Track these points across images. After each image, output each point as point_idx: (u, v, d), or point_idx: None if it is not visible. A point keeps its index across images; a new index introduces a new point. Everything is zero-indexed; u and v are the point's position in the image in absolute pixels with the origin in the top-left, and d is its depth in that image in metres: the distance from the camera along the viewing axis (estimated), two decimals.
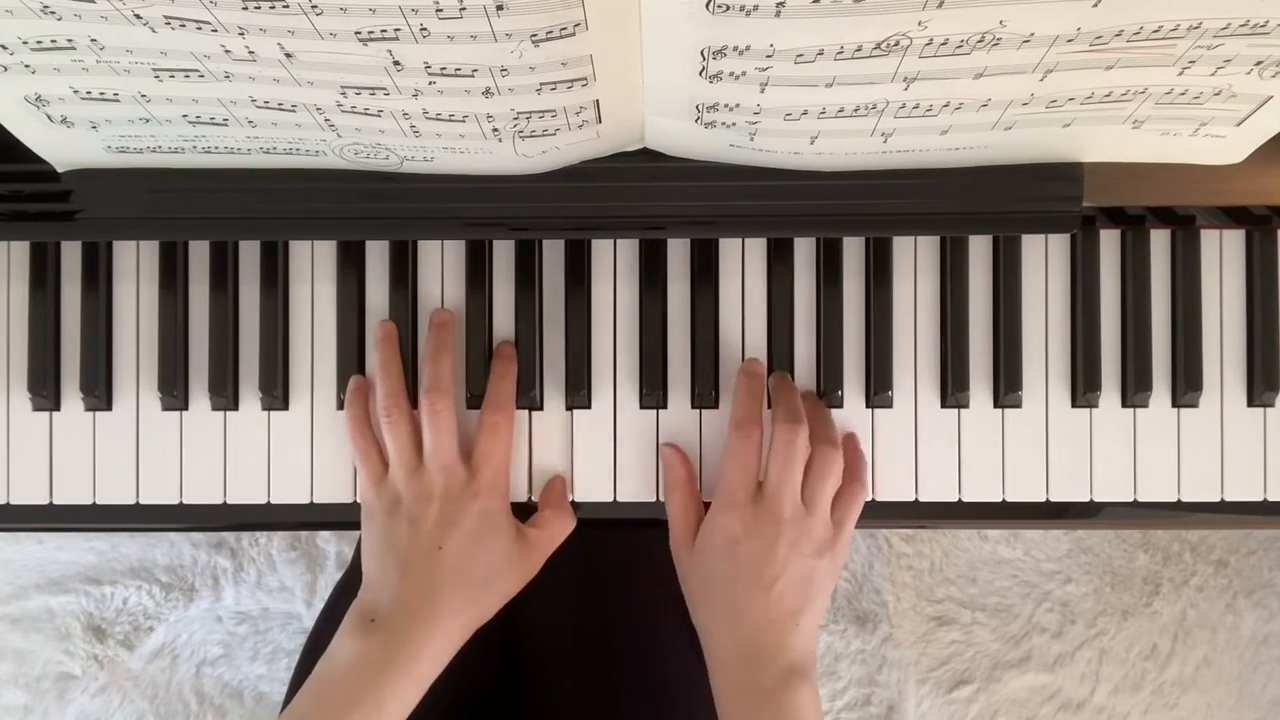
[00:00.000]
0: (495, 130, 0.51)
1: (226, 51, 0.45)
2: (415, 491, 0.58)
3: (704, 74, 0.47)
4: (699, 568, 0.59)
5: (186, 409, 0.62)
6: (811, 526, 0.57)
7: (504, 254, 0.62)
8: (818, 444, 0.58)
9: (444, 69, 0.45)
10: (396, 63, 0.45)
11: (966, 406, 0.62)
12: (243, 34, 0.43)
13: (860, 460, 0.61)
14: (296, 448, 0.62)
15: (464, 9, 0.41)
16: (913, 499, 0.62)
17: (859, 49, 0.44)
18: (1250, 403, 0.62)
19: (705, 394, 0.62)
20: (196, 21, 0.43)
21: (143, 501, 0.62)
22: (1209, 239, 0.62)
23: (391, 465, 0.59)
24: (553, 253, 0.62)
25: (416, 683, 0.55)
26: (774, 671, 0.55)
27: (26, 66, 0.47)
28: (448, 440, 0.58)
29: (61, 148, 0.54)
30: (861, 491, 0.60)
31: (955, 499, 0.62)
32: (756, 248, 0.62)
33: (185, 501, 0.62)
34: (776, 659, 0.56)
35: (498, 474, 0.59)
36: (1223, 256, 0.62)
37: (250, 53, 0.45)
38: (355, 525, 0.62)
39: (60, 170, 0.57)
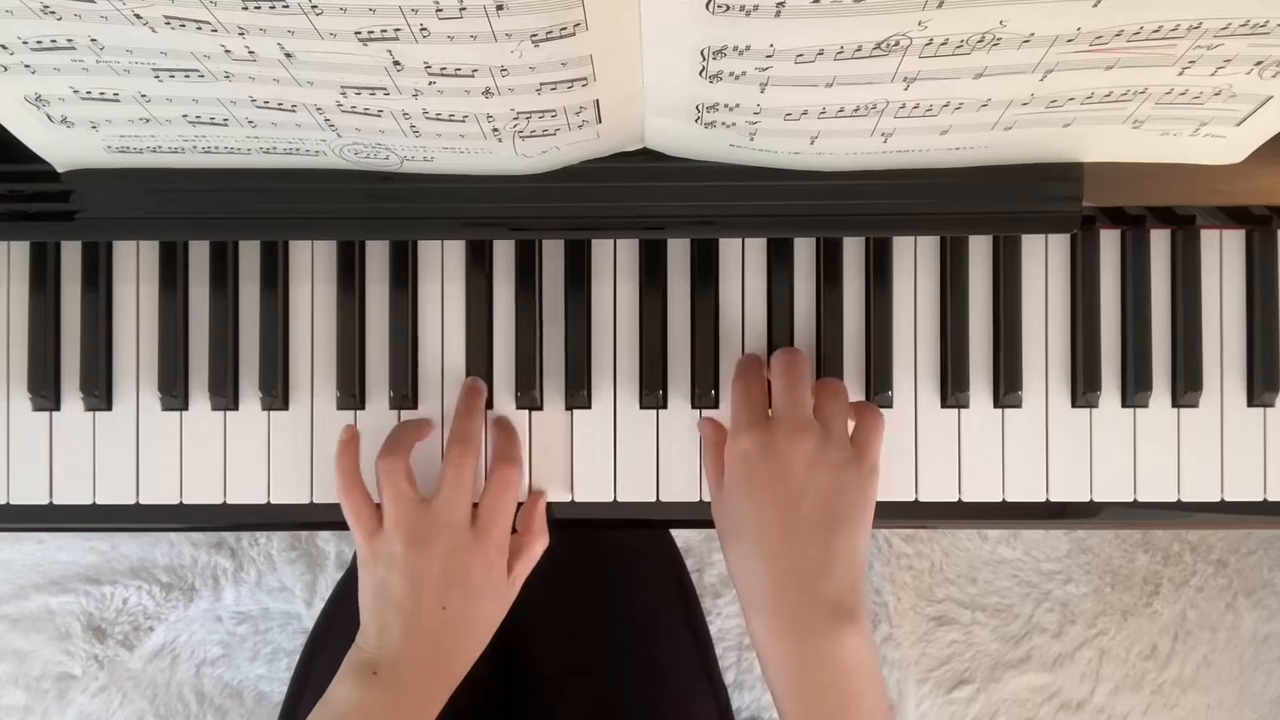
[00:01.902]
0: (495, 130, 0.51)
1: (226, 51, 0.45)
2: (418, 548, 0.57)
3: (704, 74, 0.47)
4: (725, 505, 0.57)
5: (186, 409, 0.62)
6: (827, 438, 0.55)
7: (504, 254, 0.62)
8: (819, 382, 0.58)
9: (444, 69, 0.45)
10: (396, 63, 0.45)
11: (966, 406, 0.62)
12: (243, 34, 0.43)
13: (870, 404, 0.60)
14: (296, 448, 0.62)
15: (464, 9, 0.41)
16: (913, 499, 0.62)
17: (859, 49, 0.44)
18: (1250, 403, 0.62)
19: (705, 394, 0.62)
20: (196, 21, 0.43)
21: (143, 501, 0.62)
22: (1209, 239, 0.62)
23: (390, 519, 0.57)
24: (553, 253, 0.62)
25: None
26: (817, 609, 0.52)
27: (26, 66, 0.47)
28: (465, 498, 0.58)
29: (61, 148, 0.54)
30: (879, 417, 0.58)
31: (955, 499, 0.62)
32: (756, 248, 0.62)
33: (185, 501, 0.62)
34: (817, 590, 0.52)
35: (505, 531, 0.59)
36: (1223, 256, 0.62)
37: (250, 53, 0.45)
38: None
39: (60, 170, 0.57)
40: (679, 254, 0.62)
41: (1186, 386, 0.62)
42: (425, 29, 0.42)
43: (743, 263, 0.62)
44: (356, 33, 0.43)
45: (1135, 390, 0.62)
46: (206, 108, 0.50)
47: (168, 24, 0.43)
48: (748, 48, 0.44)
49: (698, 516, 0.61)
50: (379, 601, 0.58)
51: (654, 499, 0.62)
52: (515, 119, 0.50)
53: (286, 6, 0.41)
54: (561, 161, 0.56)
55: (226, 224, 0.58)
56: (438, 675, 0.57)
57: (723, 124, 0.51)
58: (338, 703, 0.56)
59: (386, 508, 0.58)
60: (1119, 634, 1.30)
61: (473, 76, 0.46)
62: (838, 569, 0.53)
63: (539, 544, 0.61)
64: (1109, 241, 0.62)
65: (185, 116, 0.51)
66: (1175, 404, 0.62)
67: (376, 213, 0.58)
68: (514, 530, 0.61)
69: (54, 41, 0.45)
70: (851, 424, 0.58)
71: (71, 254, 0.63)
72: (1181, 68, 0.46)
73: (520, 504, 0.62)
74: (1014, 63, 0.45)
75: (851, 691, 0.51)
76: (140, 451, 0.62)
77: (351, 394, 0.62)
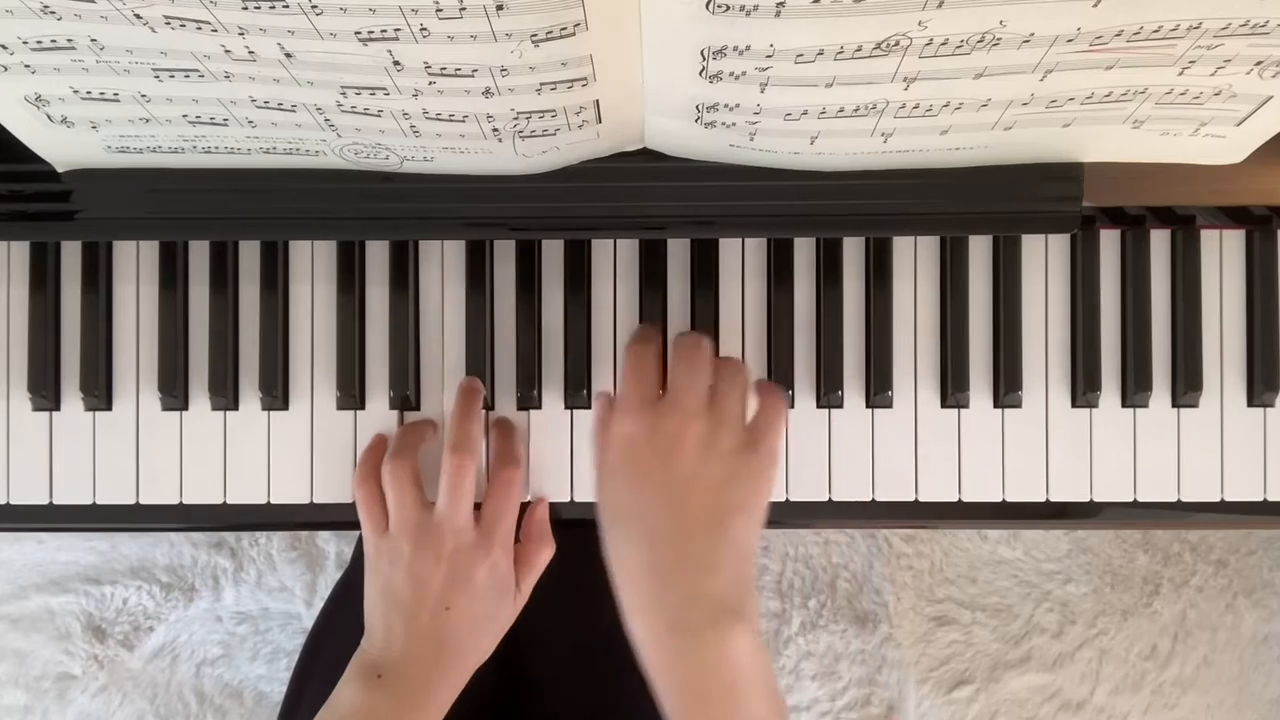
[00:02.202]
0: (495, 130, 0.51)
1: (226, 51, 0.45)
2: (422, 550, 0.57)
3: (704, 74, 0.47)
4: (604, 492, 0.53)
5: (186, 409, 0.62)
6: (721, 423, 0.52)
7: (504, 254, 0.62)
8: (721, 363, 0.55)
9: (444, 69, 0.45)
10: (396, 63, 0.45)
11: (966, 406, 0.62)
12: (243, 34, 0.43)
13: (775, 385, 0.57)
14: (296, 448, 0.62)
15: (464, 9, 0.41)
16: (913, 499, 0.62)
17: (859, 49, 0.44)
18: (1250, 403, 0.62)
19: None
20: (196, 21, 0.43)
21: (143, 501, 0.62)
22: (1209, 239, 0.62)
23: (395, 521, 0.58)
24: (553, 253, 0.62)
25: None
26: (703, 606, 0.48)
27: (26, 66, 0.47)
28: (466, 502, 0.57)
29: (61, 148, 0.54)
30: (780, 401, 0.55)
31: (955, 499, 0.62)
32: (756, 248, 0.62)
33: (185, 501, 0.62)
34: (702, 587, 0.48)
35: (509, 532, 0.59)
36: (1223, 256, 0.62)
37: (250, 53, 0.45)
38: (355, 525, 0.62)
39: (60, 170, 0.57)
40: (679, 254, 0.62)
41: (1186, 386, 0.62)
42: (425, 29, 0.42)
43: (743, 263, 0.62)
44: (356, 33, 0.43)
45: (1135, 390, 0.62)
46: (206, 108, 0.50)
47: (168, 24, 0.43)
48: (748, 48, 0.44)
49: None
50: (384, 602, 0.58)
51: None
52: (515, 119, 0.50)
53: (286, 6, 0.41)
54: (561, 161, 0.56)
55: (226, 224, 0.58)
56: (442, 678, 0.57)
57: (723, 124, 0.51)
58: (341, 706, 0.56)
59: (392, 509, 0.58)
60: (1119, 634, 1.30)
61: (473, 76, 0.46)
62: (725, 565, 0.49)
63: (544, 553, 0.61)
64: (1109, 241, 0.62)
65: (185, 116, 0.51)
66: (1175, 404, 0.62)
67: (376, 213, 0.58)
68: (518, 538, 0.61)
69: (54, 41, 0.45)
70: (754, 406, 0.54)
71: (71, 254, 0.63)
72: (1181, 68, 0.46)
73: (525, 504, 0.62)
74: (1014, 63, 0.45)
75: (741, 696, 0.48)
76: (140, 451, 0.62)
77: (351, 394, 0.62)
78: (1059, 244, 0.62)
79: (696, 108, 0.50)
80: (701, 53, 0.45)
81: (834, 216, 0.58)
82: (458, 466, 0.57)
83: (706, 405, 0.52)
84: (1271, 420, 0.62)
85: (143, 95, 0.49)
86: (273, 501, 0.62)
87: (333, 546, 1.28)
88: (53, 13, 0.43)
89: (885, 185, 0.56)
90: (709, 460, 0.50)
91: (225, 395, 0.62)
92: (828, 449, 0.62)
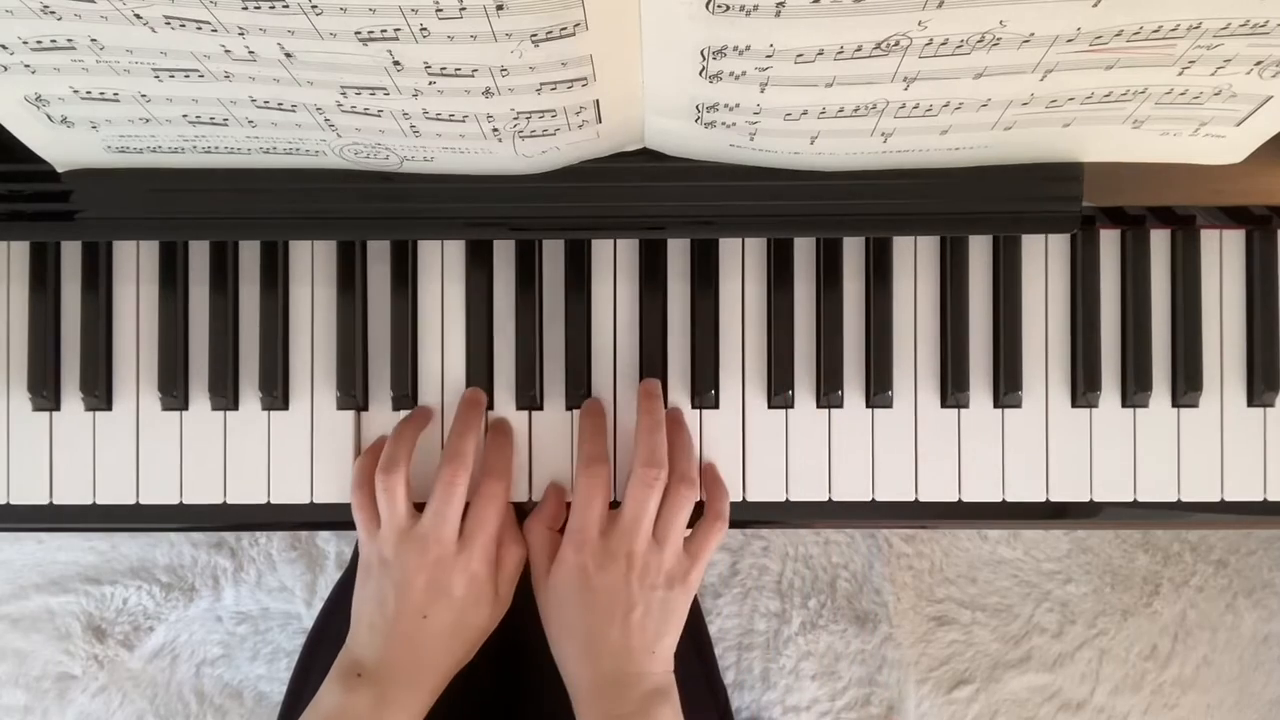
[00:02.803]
0: (495, 130, 0.51)
1: (226, 51, 0.45)
2: (407, 557, 0.58)
3: (704, 74, 0.47)
4: (553, 602, 0.59)
5: (186, 409, 0.63)
6: (663, 559, 0.58)
7: (504, 254, 0.62)
8: (674, 482, 0.59)
9: (444, 69, 0.45)
10: (396, 63, 0.45)
11: (966, 406, 0.62)
12: (243, 34, 0.43)
13: (721, 493, 0.61)
14: (296, 448, 0.62)
15: (464, 9, 0.41)
16: (913, 499, 0.62)
17: (859, 49, 0.44)
18: (1250, 403, 0.62)
19: (705, 394, 0.62)
20: (196, 21, 0.43)
21: (143, 501, 0.62)
22: (1209, 239, 0.62)
23: (383, 530, 0.59)
24: (553, 253, 0.62)
25: None
26: (635, 698, 0.56)
27: (26, 66, 0.47)
28: (454, 514, 0.58)
29: (61, 148, 0.54)
30: (720, 525, 0.60)
31: (955, 499, 0.62)
32: (756, 248, 0.62)
33: (185, 501, 0.62)
34: (637, 686, 0.57)
35: (489, 541, 0.59)
36: (1223, 256, 0.62)
37: (250, 53, 0.45)
38: (354, 525, 0.62)
39: (60, 170, 0.57)
40: (679, 254, 0.62)
41: (1186, 386, 0.62)
42: (425, 29, 0.42)
43: (743, 263, 0.62)
44: (356, 33, 0.43)
45: (1135, 390, 0.62)
46: (206, 108, 0.50)
47: (168, 24, 0.43)
48: (748, 48, 0.44)
49: (696, 515, 0.61)
50: (370, 605, 0.59)
51: None
52: (515, 119, 0.50)
53: (286, 6, 0.41)
54: (561, 161, 0.56)
55: (226, 224, 0.58)
56: (420, 681, 0.58)
57: (723, 124, 0.51)
58: (322, 704, 0.57)
59: (383, 517, 0.59)
60: (1119, 634, 1.30)
61: (473, 76, 0.46)
62: (658, 665, 0.58)
63: (514, 554, 0.61)
64: (1109, 241, 0.62)
65: (185, 116, 0.51)
66: (1175, 404, 0.62)
67: (376, 213, 0.58)
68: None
69: (54, 41, 0.45)
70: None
71: (71, 254, 0.63)
72: (1181, 68, 0.46)
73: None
74: (1014, 63, 0.45)
75: None
76: (140, 451, 0.62)
77: (351, 394, 0.62)
78: (1059, 244, 0.62)
79: (696, 108, 0.50)
80: (701, 53, 0.46)
81: (834, 216, 0.58)
82: (450, 479, 0.58)
83: (652, 540, 0.58)
84: (1271, 420, 0.62)
85: (143, 95, 0.49)
86: (273, 501, 0.62)
87: (333, 546, 1.28)
88: (53, 13, 0.43)
89: (885, 185, 0.56)
90: (650, 591, 0.58)
91: (225, 395, 0.62)
92: (828, 449, 0.62)
